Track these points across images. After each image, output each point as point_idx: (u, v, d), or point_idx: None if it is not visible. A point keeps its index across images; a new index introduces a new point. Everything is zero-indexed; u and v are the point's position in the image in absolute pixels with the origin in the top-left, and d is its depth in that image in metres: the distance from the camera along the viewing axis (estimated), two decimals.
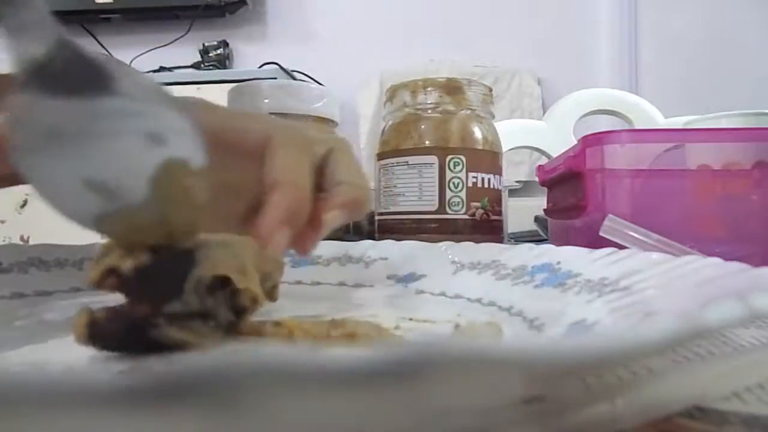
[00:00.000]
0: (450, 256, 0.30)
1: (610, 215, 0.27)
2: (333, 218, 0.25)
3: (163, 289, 0.16)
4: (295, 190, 0.23)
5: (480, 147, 0.39)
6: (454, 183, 0.38)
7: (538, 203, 0.52)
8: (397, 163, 0.40)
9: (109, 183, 0.16)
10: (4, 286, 0.28)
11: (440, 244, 0.31)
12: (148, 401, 0.06)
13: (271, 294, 0.20)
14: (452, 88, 0.40)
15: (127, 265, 0.17)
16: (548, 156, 0.64)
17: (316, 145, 0.27)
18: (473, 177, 0.39)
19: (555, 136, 0.66)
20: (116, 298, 0.17)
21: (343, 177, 0.27)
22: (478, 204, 0.39)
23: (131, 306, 0.17)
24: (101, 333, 0.16)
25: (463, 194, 0.38)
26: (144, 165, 0.16)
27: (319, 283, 0.32)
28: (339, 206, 0.26)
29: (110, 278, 0.17)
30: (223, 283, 0.17)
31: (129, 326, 0.16)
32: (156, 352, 0.17)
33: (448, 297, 0.27)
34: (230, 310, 0.18)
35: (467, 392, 0.08)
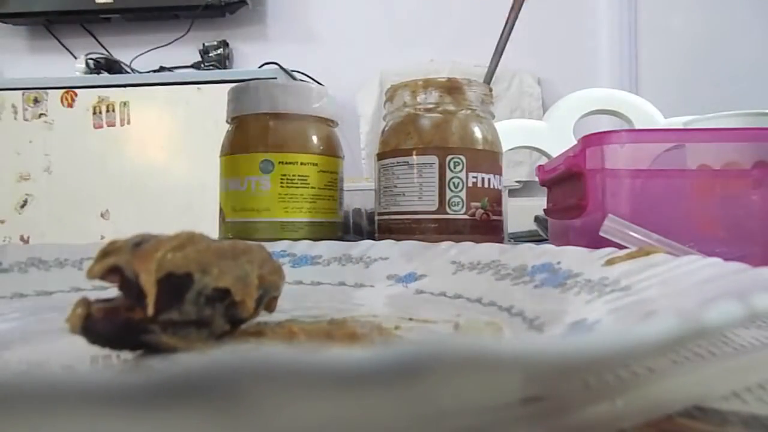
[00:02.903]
0: (450, 256, 0.30)
1: (610, 215, 0.27)
2: None
3: (162, 299, 0.16)
4: None
5: (480, 147, 0.39)
6: (454, 183, 0.38)
7: (538, 203, 0.52)
8: (397, 163, 0.40)
9: None
10: (4, 286, 0.28)
11: (440, 244, 0.31)
12: (149, 401, 0.06)
13: (270, 305, 0.20)
14: (452, 88, 0.40)
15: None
16: (548, 156, 0.64)
17: None
18: (473, 177, 0.39)
19: (555, 136, 0.66)
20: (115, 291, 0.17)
21: None
22: (478, 204, 0.39)
23: (127, 308, 0.17)
24: (95, 328, 0.16)
25: (463, 194, 0.38)
26: None
27: (319, 283, 0.32)
28: None
29: (113, 275, 0.17)
30: (222, 294, 0.17)
31: (122, 327, 0.16)
32: (148, 352, 0.17)
33: (448, 297, 0.27)
34: (226, 320, 0.18)
35: (467, 392, 0.08)
